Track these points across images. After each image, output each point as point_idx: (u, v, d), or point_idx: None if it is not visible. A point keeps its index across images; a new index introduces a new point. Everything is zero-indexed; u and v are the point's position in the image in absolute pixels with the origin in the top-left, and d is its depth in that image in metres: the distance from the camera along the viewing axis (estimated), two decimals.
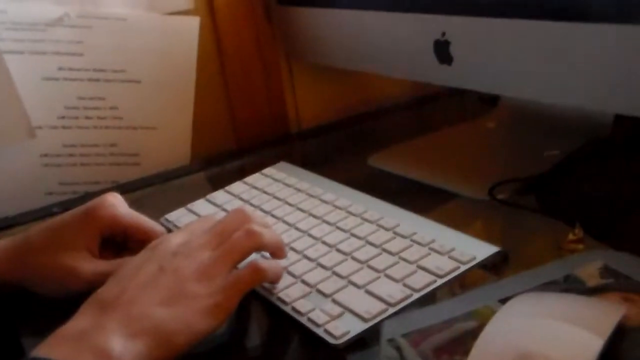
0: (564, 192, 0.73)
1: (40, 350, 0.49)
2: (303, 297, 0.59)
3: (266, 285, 0.61)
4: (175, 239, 0.59)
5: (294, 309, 0.58)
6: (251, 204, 0.79)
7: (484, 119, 0.93)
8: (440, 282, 0.58)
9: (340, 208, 0.72)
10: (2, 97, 0.88)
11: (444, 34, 0.74)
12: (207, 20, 0.99)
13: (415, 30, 0.78)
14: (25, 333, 0.63)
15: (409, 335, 0.51)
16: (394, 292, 0.57)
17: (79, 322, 0.52)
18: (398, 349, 0.50)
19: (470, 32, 0.71)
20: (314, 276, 0.62)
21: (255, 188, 0.82)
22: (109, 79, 0.96)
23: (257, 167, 0.88)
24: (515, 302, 0.52)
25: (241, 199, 0.81)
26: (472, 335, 0.49)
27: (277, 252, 0.62)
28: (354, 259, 0.63)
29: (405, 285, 0.58)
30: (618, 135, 0.76)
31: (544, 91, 0.67)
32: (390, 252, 0.62)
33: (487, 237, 0.63)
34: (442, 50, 0.75)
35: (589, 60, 0.61)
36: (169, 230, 0.73)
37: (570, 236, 0.62)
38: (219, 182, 0.87)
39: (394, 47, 0.82)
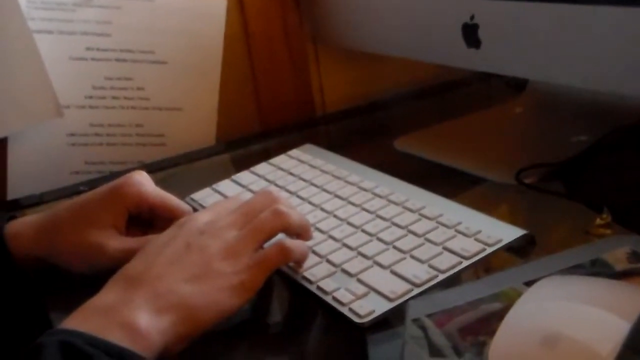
0: (591, 178, 0.72)
1: (68, 323, 0.50)
2: (328, 276, 0.60)
3: (291, 264, 0.61)
4: (202, 218, 0.60)
5: (319, 288, 0.58)
6: (276, 185, 0.79)
7: (511, 104, 0.93)
8: (466, 263, 0.58)
9: (365, 190, 0.73)
10: (31, 76, 0.89)
11: (472, 17, 0.73)
12: (235, 3, 1.00)
13: (444, 14, 0.78)
14: (53, 307, 0.64)
15: (434, 316, 0.51)
16: (420, 272, 0.57)
17: (106, 296, 0.53)
18: (423, 328, 0.50)
19: (499, 15, 0.71)
20: (339, 256, 0.62)
21: (281, 169, 0.83)
22: (136, 60, 0.96)
23: (282, 150, 0.88)
24: (541, 284, 0.51)
25: (266, 179, 0.81)
26: (498, 316, 0.48)
27: (303, 233, 0.63)
28: (379, 239, 0.63)
29: (430, 266, 0.58)
30: None
31: (573, 75, 0.66)
32: (416, 234, 0.63)
33: (514, 221, 0.63)
34: (471, 34, 0.74)
35: (620, 44, 0.60)
36: (195, 210, 0.73)
37: (598, 221, 0.61)
38: (244, 164, 0.87)
39: (421, 31, 0.82)
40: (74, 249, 0.66)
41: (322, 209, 0.71)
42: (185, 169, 0.96)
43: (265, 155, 0.88)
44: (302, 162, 0.83)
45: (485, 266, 0.59)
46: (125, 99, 0.97)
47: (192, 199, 0.80)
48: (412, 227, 0.64)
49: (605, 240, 0.59)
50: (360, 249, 0.62)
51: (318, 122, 1.07)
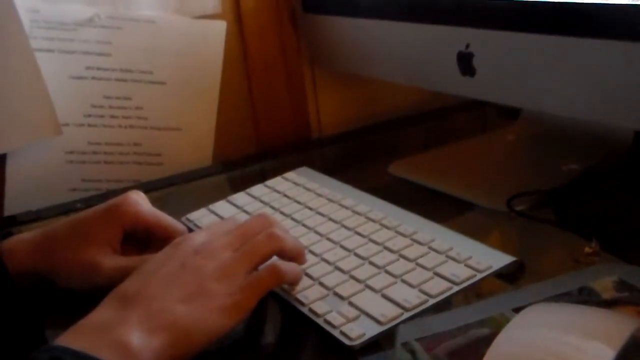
0: (582, 206, 0.73)
1: (61, 340, 0.50)
2: (320, 299, 0.60)
3: (284, 286, 0.62)
4: (198, 238, 0.60)
5: (311, 310, 0.59)
6: (271, 207, 0.80)
7: (504, 132, 0.94)
8: (456, 288, 0.58)
9: (359, 214, 0.73)
10: (32, 94, 0.90)
11: (467, 45, 0.75)
12: (234, 25, 1.01)
13: (439, 42, 0.79)
14: (49, 325, 0.64)
15: (423, 340, 0.52)
16: (410, 297, 0.58)
17: (100, 315, 0.53)
18: (412, 352, 0.51)
19: (494, 45, 0.72)
20: (331, 279, 0.62)
21: (276, 191, 0.83)
22: (135, 80, 0.97)
23: (278, 172, 0.89)
24: (529, 311, 0.52)
25: (262, 201, 0.82)
26: (486, 342, 0.49)
27: (297, 257, 0.63)
28: (371, 263, 0.64)
29: (421, 290, 0.58)
30: (638, 151, 0.77)
31: (565, 105, 0.67)
32: (407, 258, 0.63)
33: (504, 247, 0.63)
34: (465, 62, 0.75)
35: (611, 76, 0.61)
36: (190, 230, 0.74)
37: (587, 249, 0.62)
38: (239, 185, 0.88)
39: (417, 58, 0.83)
40: (70, 266, 0.66)
41: (316, 232, 0.72)
42: (181, 188, 0.97)
43: (261, 177, 0.89)
44: (297, 184, 0.84)
45: (475, 292, 0.59)
46: (123, 118, 0.98)
47: (188, 219, 0.81)
48: (404, 252, 0.64)
49: (593, 268, 0.60)
50: (352, 273, 0.63)
51: (314, 145, 1.07)
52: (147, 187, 0.91)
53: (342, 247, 0.68)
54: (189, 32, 0.98)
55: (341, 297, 0.60)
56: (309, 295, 0.61)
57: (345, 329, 0.56)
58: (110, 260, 0.66)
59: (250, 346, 0.59)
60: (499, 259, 0.61)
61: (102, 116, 0.97)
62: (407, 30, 0.83)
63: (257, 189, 0.85)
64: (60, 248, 0.67)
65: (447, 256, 0.63)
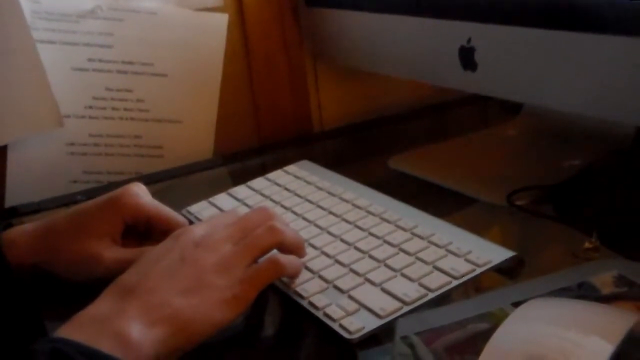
0: (582, 201, 0.73)
1: (61, 332, 0.50)
2: (320, 292, 0.60)
3: (284, 279, 0.62)
4: (198, 231, 0.60)
5: (310, 303, 0.59)
6: (272, 200, 0.80)
7: (505, 126, 0.94)
8: (455, 283, 0.58)
9: (359, 207, 0.73)
10: (33, 86, 0.90)
11: (469, 40, 0.75)
12: (236, 18, 1.01)
13: (441, 36, 0.79)
14: (48, 316, 0.64)
15: (422, 334, 0.52)
16: (410, 291, 0.58)
17: (100, 306, 0.53)
18: (411, 346, 0.51)
19: (495, 39, 0.72)
20: (331, 272, 0.63)
21: (277, 184, 0.83)
22: (137, 72, 0.97)
23: (278, 165, 0.89)
24: (528, 306, 0.52)
25: (262, 194, 0.82)
26: (485, 336, 0.49)
27: (297, 250, 0.63)
28: (371, 257, 0.64)
29: (421, 284, 0.58)
30: (639, 147, 0.77)
31: (566, 100, 0.67)
32: (407, 252, 0.63)
33: (504, 242, 0.63)
34: (467, 57, 0.75)
35: (613, 71, 0.61)
36: (190, 222, 0.74)
37: (587, 244, 0.62)
38: (240, 178, 0.88)
39: (419, 52, 0.83)
40: (70, 258, 0.67)
41: (317, 225, 0.72)
42: (182, 181, 0.97)
43: (262, 170, 0.89)
44: (298, 178, 0.84)
45: (474, 286, 0.60)
46: (124, 110, 0.98)
47: (189, 212, 0.81)
48: (404, 246, 0.64)
49: (592, 263, 0.60)
50: (352, 266, 0.63)
51: (315, 139, 1.07)
52: (148, 180, 0.91)
53: (342, 240, 0.68)
54: (190, 25, 0.98)
55: (341, 291, 0.60)
56: (308, 288, 0.61)
57: (344, 322, 0.56)
58: (111, 252, 0.66)
59: (249, 339, 0.59)
60: (499, 254, 0.61)
61: (103, 108, 0.97)
62: (409, 24, 0.83)
63: (258, 182, 0.85)
64: (60, 240, 0.68)
65: (447, 250, 0.63)
